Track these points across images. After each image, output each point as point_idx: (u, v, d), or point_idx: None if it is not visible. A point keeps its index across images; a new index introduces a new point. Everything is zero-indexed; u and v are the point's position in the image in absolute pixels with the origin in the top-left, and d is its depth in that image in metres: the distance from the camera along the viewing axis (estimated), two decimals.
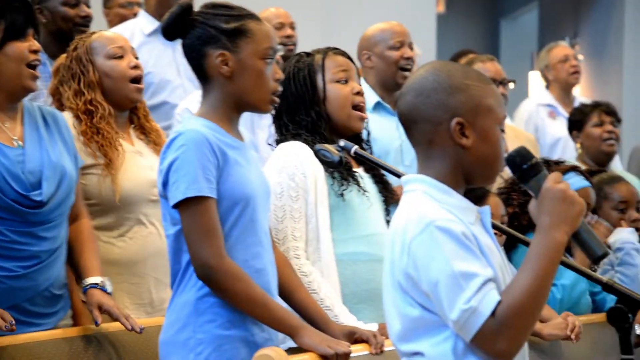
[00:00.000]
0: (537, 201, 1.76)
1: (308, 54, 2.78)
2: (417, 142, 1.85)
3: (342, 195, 2.64)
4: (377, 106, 3.75)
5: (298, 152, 2.63)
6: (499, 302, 1.69)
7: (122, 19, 4.65)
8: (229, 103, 2.32)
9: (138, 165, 2.93)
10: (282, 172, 2.59)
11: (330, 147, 2.54)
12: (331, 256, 2.61)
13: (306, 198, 2.60)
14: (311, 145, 2.64)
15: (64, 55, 3.04)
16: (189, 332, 2.24)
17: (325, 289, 2.55)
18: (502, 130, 1.85)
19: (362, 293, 2.62)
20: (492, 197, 2.91)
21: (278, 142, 2.73)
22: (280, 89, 2.37)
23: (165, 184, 2.25)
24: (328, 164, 2.58)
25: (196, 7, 2.37)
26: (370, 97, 3.74)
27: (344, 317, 2.53)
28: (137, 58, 3.02)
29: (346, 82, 2.74)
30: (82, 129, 2.87)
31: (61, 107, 2.96)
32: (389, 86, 3.71)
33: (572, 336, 2.84)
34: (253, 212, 2.29)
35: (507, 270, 1.84)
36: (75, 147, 2.76)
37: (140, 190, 2.90)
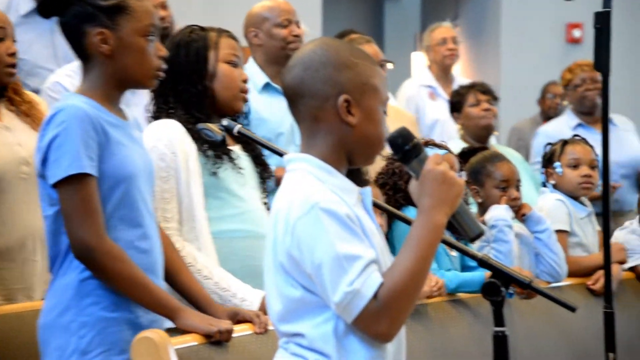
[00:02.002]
0: (418, 182, 1.78)
1: (202, 29, 2.74)
2: (302, 117, 1.83)
3: (215, 173, 2.62)
4: (267, 87, 3.74)
5: (168, 131, 2.58)
6: (381, 284, 1.71)
7: None
8: (110, 81, 2.27)
9: (3, 142, 2.83)
10: (151, 152, 2.52)
11: (213, 126, 2.53)
12: (208, 235, 2.59)
13: (177, 177, 2.57)
14: (186, 123, 2.60)
15: None
16: (71, 315, 2.20)
17: (218, 272, 2.53)
18: (385, 112, 1.87)
19: (240, 270, 2.61)
20: (372, 186, 2.95)
21: (153, 118, 2.68)
22: (164, 66, 2.32)
23: (44, 161, 2.18)
24: (210, 143, 2.57)
25: None
26: (259, 77, 3.72)
27: (243, 291, 2.52)
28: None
29: (236, 66, 2.73)
30: None
31: None
32: (279, 63, 3.70)
33: (435, 292, 2.92)
34: (137, 191, 2.25)
35: (386, 251, 1.86)
36: None
37: (8, 169, 2.81)
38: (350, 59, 1.81)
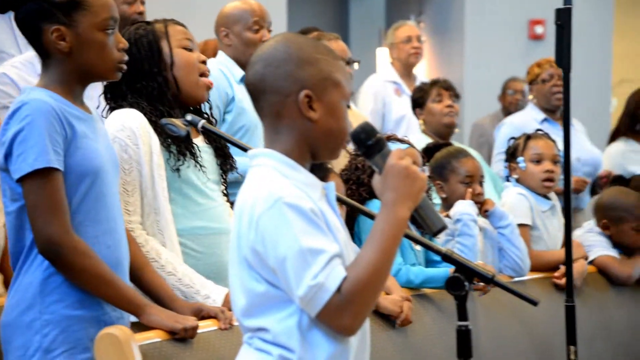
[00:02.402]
0: (381, 177, 1.79)
1: (148, 23, 2.70)
2: (265, 113, 1.84)
3: (178, 170, 2.59)
4: (244, 78, 3.73)
5: (130, 122, 2.54)
6: (345, 278, 1.71)
7: None
8: (72, 76, 2.24)
9: None
10: (113, 142, 2.49)
11: (177, 121, 2.51)
12: (172, 229, 2.57)
13: (140, 170, 2.54)
14: (149, 115, 2.57)
15: None
16: (34, 314, 2.17)
17: (182, 268, 2.51)
18: (348, 107, 1.87)
19: (204, 267, 2.60)
20: (334, 176, 2.95)
21: (111, 110, 2.64)
22: (126, 57, 2.30)
23: (7, 156, 2.15)
24: (174, 139, 2.55)
25: None
26: (236, 69, 3.72)
27: (207, 288, 2.51)
28: None
29: (191, 50, 2.69)
30: None
31: None
32: (245, 65, 3.69)
33: (398, 322, 2.89)
34: (102, 185, 2.23)
35: (350, 245, 1.87)
36: None
37: None
38: (311, 55, 1.82)
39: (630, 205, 3.73)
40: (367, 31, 9.74)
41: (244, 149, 2.48)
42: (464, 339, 1.90)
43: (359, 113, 4.72)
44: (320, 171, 2.75)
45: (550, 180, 3.63)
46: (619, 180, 4.14)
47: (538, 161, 3.65)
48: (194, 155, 2.63)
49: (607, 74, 7.92)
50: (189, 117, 2.53)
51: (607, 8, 7.94)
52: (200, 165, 2.64)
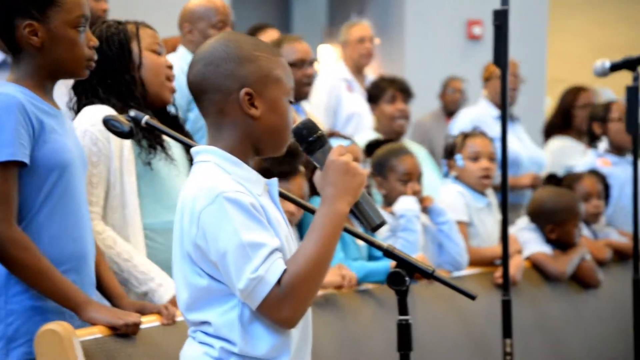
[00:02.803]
0: (322, 172, 1.82)
1: (119, 22, 2.73)
2: (207, 112, 1.85)
3: (149, 163, 2.62)
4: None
5: (103, 117, 2.54)
6: (285, 271, 1.74)
7: None
8: (42, 72, 2.25)
9: None
10: (84, 136, 2.52)
11: (120, 117, 2.50)
12: (138, 223, 2.58)
13: (108, 164, 2.56)
14: (120, 112, 2.58)
15: None
16: None
17: (139, 257, 2.52)
18: (291, 102, 1.90)
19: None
20: (300, 176, 2.97)
21: (83, 105, 2.65)
22: (95, 56, 2.32)
23: None
24: (118, 135, 2.54)
25: None
26: None
27: (160, 276, 2.52)
28: None
29: (159, 54, 2.73)
30: None
31: None
32: None
33: (345, 284, 2.97)
34: (70, 180, 2.25)
35: (292, 240, 1.89)
36: None
37: None
38: (251, 53, 1.84)
39: (570, 205, 3.81)
40: (310, 28, 9.76)
41: (189, 146, 2.47)
42: (404, 333, 1.93)
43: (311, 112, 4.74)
44: (289, 164, 2.78)
45: (487, 177, 3.70)
46: (552, 178, 4.23)
47: (475, 159, 3.71)
48: (164, 149, 2.65)
49: (542, 73, 8.08)
50: (132, 112, 2.53)
51: (542, 9, 8.10)
52: (171, 159, 2.66)
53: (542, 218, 3.87)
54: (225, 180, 1.79)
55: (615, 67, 3.52)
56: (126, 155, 2.58)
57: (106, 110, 2.58)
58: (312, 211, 2.31)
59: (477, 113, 4.89)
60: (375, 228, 1.88)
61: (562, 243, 3.84)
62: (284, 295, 1.73)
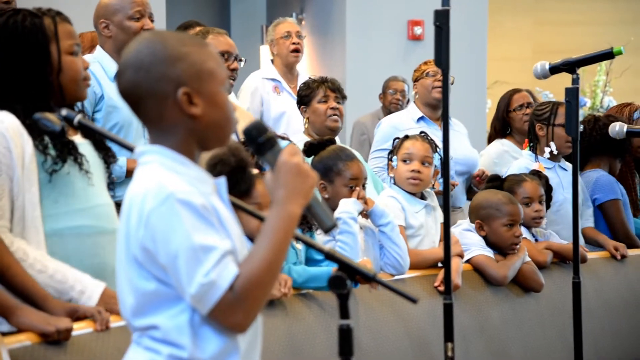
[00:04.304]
0: (273, 174, 1.79)
1: (35, 15, 2.57)
2: (147, 118, 1.80)
3: (55, 171, 2.49)
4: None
5: (2, 126, 2.43)
6: (237, 275, 1.70)
7: None
8: None
9: None
10: None
11: (51, 116, 2.41)
12: (41, 235, 2.46)
13: (10, 174, 2.43)
14: (23, 118, 2.46)
15: None
16: None
17: (52, 264, 2.42)
18: (227, 91, 1.85)
19: (88, 268, 2.50)
20: (259, 182, 2.90)
21: None
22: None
23: None
24: (49, 134, 2.45)
25: None
26: (112, 65, 3.61)
27: (81, 283, 2.42)
28: None
29: (77, 54, 2.61)
30: None
31: None
32: None
33: (285, 290, 2.93)
34: None
35: (244, 240, 1.85)
36: None
37: None
38: (179, 50, 1.79)
39: (499, 203, 3.82)
40: (248, 28, 9.70)
41: (126, 146, 2.41)
42: (345, 337, 1.90)
43: (245, 111, 4.68)
44: (245, 181, 2.71)
45: (415, 179, 3.68)
46: (495, 179, 4.23)
47: (408, 160, 3.71)
48: (75, 158, 2.54)
49: (482, 75, 8.15)
50: (64, 111, 2.44)
51: (482, 11, 8.17)
52: (81, 163, 2.55)
53: (471, 212, 3.89)
54: (174, 180, 1.74)
55: (555, 69, 3.53)
56: (27, 164, 2.45)
57: (6, 118, 2.44)
58: (257, 216, 2.26)
59: (399, 118, 4.81)
60: (327, 230, 1.86)
61: (494, 245, 3.83)
62: (236, 299, 1.70)
